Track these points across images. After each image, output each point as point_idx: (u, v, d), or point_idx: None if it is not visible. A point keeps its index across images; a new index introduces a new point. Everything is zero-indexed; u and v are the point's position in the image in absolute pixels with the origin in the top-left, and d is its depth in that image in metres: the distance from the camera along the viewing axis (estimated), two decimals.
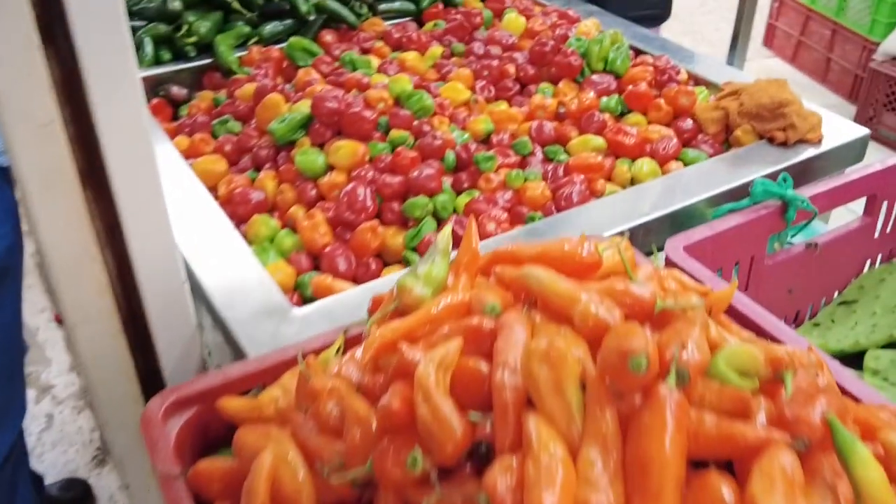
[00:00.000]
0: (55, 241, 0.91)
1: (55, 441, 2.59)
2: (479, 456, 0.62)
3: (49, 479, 2.18)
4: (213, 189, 1.40)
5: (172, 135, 1.57)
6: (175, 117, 1.70)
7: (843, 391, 0.81)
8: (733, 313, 0.91)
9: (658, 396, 0.56)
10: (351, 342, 0.91)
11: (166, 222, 0.97)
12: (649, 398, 0.56)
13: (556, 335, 0.62)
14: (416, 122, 1.43)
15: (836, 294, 1.37)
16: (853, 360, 1.25)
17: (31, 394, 2.78)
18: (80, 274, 0.95)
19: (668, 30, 2.63)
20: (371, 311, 0.90)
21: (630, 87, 1.56)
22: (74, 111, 0.88)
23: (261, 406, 0.87)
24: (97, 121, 0.87)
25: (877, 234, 1.34)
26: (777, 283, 1.26)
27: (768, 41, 4.83)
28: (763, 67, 4.62)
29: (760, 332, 0.90)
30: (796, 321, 1.34)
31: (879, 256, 1.37)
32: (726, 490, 0.56)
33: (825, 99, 4.24)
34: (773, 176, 1.34)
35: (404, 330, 0.75)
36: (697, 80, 1.66)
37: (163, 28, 1.74)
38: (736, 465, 0.61)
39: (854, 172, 1.27)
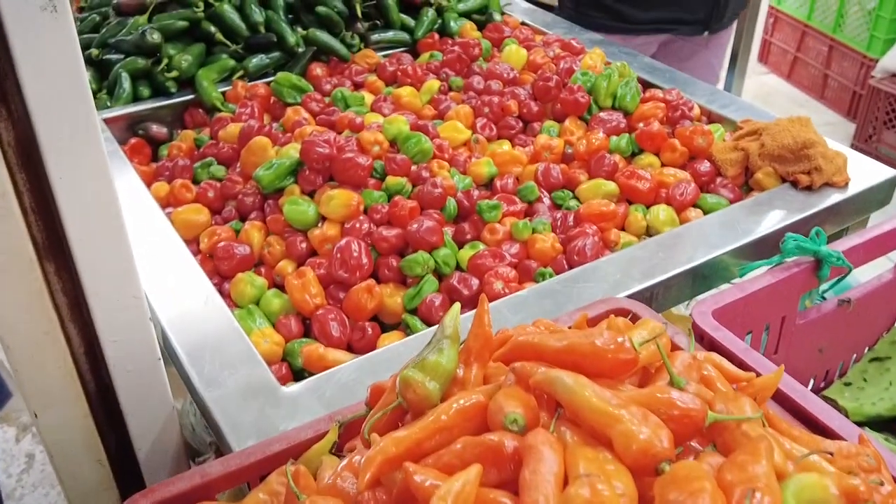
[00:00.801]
0: (11, 324, 0.82)
1: (36, 483, 2.48)
2: None
3: None
4: (194, 241, 1.29)
5: (151, 178, 1.46)
6: (155, 157, 1.59)
7: None
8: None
9: None
10: (349, 428, 0.81)
11: (138, 292, 0.87)
12: None
13: (597, 474, 0.52)
14: (413, 168, 1.33)
15: (866, 349, 1.27)
16: (890, 423, 1.16)
17: (10, 433, 2.66)
18: (40, 357, 0.85)
19: None
20: (370, 404, 0.80)
21: (641, 125, 1.46)
22: (31, 177, 0.78)
23: None
24: (56, 188, 0.77)
25: None
26: (808, 342, 1.16)
27: (763, 57, 4.76)
28: (759, 84, 4.55)
29: (803, 413, 0.82)
30: (826, 379, 1.25)
31: None
32: None
33: (823, 116, 4.17)
34: (800, 224, 1.25)
35: (410, 443, 0.64)
36: (710, 115, 1.57)
37: (141, 62, 1.63)
38: None
39: (886, 223, 1.18)
